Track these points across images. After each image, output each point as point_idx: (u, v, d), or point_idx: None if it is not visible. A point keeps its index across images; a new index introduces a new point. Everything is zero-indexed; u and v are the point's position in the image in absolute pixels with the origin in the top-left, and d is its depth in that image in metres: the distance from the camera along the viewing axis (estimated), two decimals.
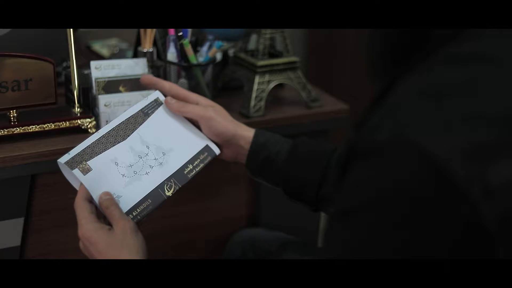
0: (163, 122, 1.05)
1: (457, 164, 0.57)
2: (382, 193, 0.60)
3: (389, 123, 0.61)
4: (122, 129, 1.02)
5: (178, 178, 1.01)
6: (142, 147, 1.02)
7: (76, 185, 0.98)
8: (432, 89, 0.62)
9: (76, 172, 0.96)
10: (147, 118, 1.05)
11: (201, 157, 1.04)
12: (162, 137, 1.04)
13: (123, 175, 0.99)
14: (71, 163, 0.96)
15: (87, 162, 0.97)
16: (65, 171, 0.99)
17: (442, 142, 0.58)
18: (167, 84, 1.08)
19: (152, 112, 1.05)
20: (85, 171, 0.96)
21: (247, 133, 1.06)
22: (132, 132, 1.02)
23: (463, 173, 0.57)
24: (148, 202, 0.98)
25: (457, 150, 0.57)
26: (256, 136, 1.06)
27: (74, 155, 0.97)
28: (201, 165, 1.03)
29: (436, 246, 0.59)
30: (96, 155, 0.98)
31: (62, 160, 0.97)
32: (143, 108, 1.05)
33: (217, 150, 1.05)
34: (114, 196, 0.96)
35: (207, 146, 1.05)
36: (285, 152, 1.05)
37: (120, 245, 0.89)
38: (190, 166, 1.02)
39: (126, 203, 0.96)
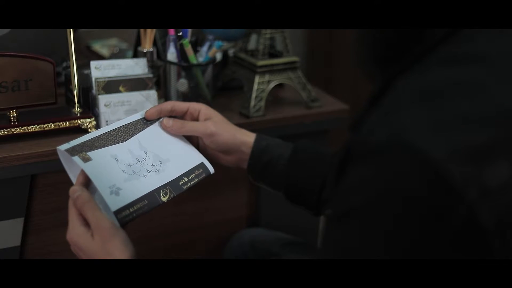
0: (161, 135, 1.06)
1: (453, 164, 0.57)
2: (379, 194, 0.60)
3: (385, 125, 0.61)
4: (122, 132, 1.02)
5: (174, 187, 1.01)
6: (140, 152, 1.02)
7: (74, 176, 0.96)
8: (428, 90, 0.62)
9: (76, 159, 0.94)
10: (146, 127, 1.05)
11: (196, 172, 1.04)
12: (160, 147, 1.04)
13: (123, 171, 0.98)
14: (71, 151, 0.95)
15: (87, 153, 0.96)
16: (64, 158, 0.97)
17: (438, 143, 0.58)
18: (168, 106, 1.06)
19: (152, 123, 1.06)
20: (85, 159, 0.95)
21: (248, 138, 1.06)
22: (132, 136, 1.02)
23: (460, 174, 0.57)
24: (145, 202, 0.97)
25: (453, 151, 0.57)
26: (256, 141, 1.06)
27: (74, 145, 0.96)
28: (196, 179, 1.03)
29: (433, 246, 0.59)
30: (96, 149, 0.97)
31: (62, 147, 0.95)
32: (143, 118, 1.06)
33: (211, 169, 1.05)
34: (114, 188, 0.94)
35: (202, 163, 1.05)
36: (286, 156, 1.05)
37: (104, 253, 0.88)
38: (186, 179, 1.02)
39: (125, 197, 0.95)
